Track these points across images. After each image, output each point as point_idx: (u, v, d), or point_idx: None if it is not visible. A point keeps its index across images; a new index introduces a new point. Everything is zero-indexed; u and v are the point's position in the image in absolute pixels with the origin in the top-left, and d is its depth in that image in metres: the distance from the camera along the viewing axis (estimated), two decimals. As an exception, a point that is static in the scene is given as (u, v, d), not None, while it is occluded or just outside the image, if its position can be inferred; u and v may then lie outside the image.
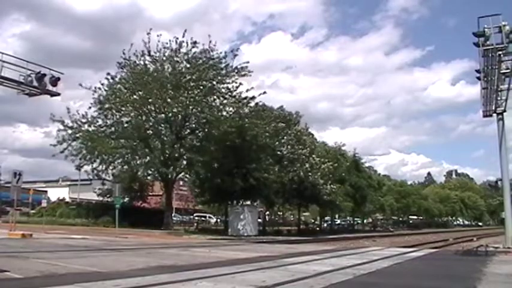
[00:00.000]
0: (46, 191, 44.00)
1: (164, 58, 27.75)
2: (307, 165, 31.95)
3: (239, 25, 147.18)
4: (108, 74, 28.00)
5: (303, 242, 22.52)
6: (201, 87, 27.08)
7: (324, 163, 33.77)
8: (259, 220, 34.84)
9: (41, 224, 23.25)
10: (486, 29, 13.52)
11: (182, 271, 7.22)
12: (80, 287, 5.37)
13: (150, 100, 27.05)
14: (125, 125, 28.61)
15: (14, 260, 8.33)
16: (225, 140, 27.05)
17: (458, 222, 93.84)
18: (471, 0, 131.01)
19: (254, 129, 27.72)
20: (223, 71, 27.71)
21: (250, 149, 28.18)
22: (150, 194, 37.67)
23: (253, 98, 27.74)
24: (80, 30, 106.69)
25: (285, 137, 31.79)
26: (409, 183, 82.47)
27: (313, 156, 33.53)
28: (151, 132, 28.76)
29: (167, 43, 27.46)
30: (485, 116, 17.65)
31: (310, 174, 31.89)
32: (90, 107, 27.96)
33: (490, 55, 13.85)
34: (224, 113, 28.34)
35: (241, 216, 27.33)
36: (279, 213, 50.23)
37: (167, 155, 27.92)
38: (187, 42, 27.12)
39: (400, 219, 74.73)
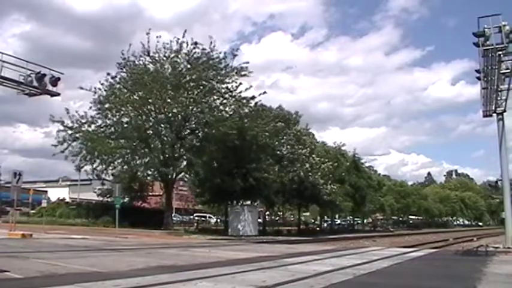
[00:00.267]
0: (46, 191, 44.00)
1: (164, 58, 27.77)
2: (307, 165, 31.95)
3: (239, 25, 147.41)
4: (108, 74, 28.06)
5: (303, 242, 22.52)
6: (201, 88, 27.09)
7: (323, 163, 33.79)
8: (259, 220, 34.84)
9: (41, 224, 23.23)
10: (486, 29, 13.52)
11: (182, 271, 7.22)
12: (80, 287, 5.37)
13: (150, 100, 27.07)
14: (125, 125, 28.62)
15: (14, 260, 8.34)
16: (225, 140, 27.06)
17: (458, 222, 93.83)
18: (471, 0, 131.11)
19: (254, 129, 27.72)
20: (223, 71, 27.72)
21: (250, 149, 28.18)
22: (150, 194, 37.65)
23: (253, 97, 27.77)
24: (80, 30, 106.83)
25: (285, 137, 31.79)
26: (409, 183, 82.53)
27: (313, 156, 33.54)
28: (151, 132, 28.76)
29: (167, 43, 27.55)
30: (485, 116, 17.65)
31: (310, 174, 31.90)
32: (90, 107, 28.05)
33: (490, 55, 13.85)
34: (224, 113, 28.34)
35: (241, 217, 27.32)
36: (279, 213, 50.23)
37: (167, 155, 27.92)
38: (187, 43, 27.18)
39: (400, 219, 74.74)
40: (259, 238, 24.68)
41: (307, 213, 55.91)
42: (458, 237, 34.21)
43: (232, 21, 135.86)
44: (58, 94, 17.45)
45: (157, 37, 27.26)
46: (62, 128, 27.59)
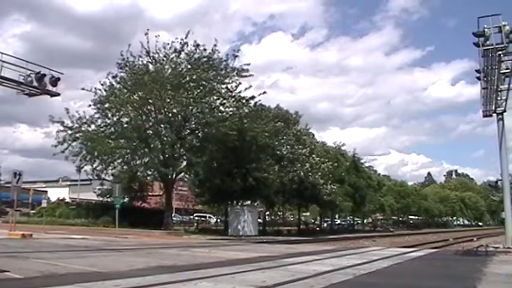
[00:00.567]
0: (46, 191, 44.01)
1: (164, 59, 27.75)
2: (307, 165, 31.95)
3: (239, 25, 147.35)
4: (110, 73, 28.06)
5: (303, 242, 22.52)
6: (201, 88, 27.09)
7: (323, 163, 33.79)
8: (259, 220, 34.83)
9: (41, 224, 23.23)
10: (486, 29, 13.51)
11: (182, 271, 7.22)
12: (80, 287, 5.37)
13: (150, 100, 27.07)
14: (125, 125, 28.64)
15: (14, 260, 8.33)
16: (225, 140, 27.07)
17: (458, 222, 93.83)
18: (471, 0, 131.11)
19: (254, 130, 27.73)
20: (224, 72, 27.71)
21: (250, 149, 28.18)
22: (150, 194, 37.66)
23: (252, 97, 27.77)
24: (80, 30, 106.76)
25: (285, 137, 31.80)
26: (409, 183, 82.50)
27: (313, 156, 33.54)
28: (151, 132, 28.77)
29: (168, 44, 27.54)
30: (485, 116, 17.64)
31: (310, 174, 31.90)
32: (90, 105, 28.04)
33: (490, 55, 13.85)
34: (224, 113, 28.35)
35: (241, 217, 27.31)
36: (279, 213, 50.22)
37: (167, 155, 27.93)
38: (187, 43, 27.18)
39: (400, 219, 74.74)
40: (259, 238, 24.68)
41: (307, 213, 55.91)
42: (458, 237, 34.21)
43: (232, 21, 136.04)
44: (58, 94, 17.46)
45: (156, 36, 27.26)
46: (61, 128, 27.63)
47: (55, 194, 45.44)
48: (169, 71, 27.72)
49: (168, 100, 26.89)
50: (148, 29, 27.96)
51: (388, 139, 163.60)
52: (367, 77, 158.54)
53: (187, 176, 32.63)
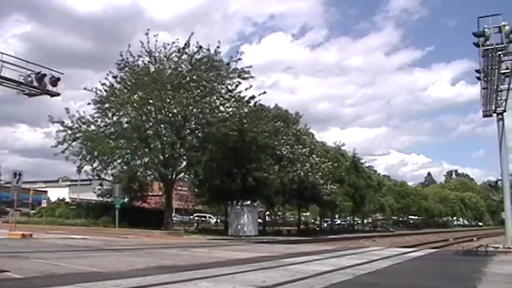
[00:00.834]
0: (46, 191, 43.99)
1: (164, 59, 27.72)
2: (307, 165, 31.95)
3: (240, 26, 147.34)
4: (110, 72, 28.03)
5: (303, 242, 22.52)
6: (201, 88, 27.09)
7: (323, 163, 33.79)
8: (259, 220, 34.83)
9: (41, 224, 23.24)
10: (486, 29, 13.51)
11: (182, 271, 7.22)
12: (80, 287, 5.37)
13: (150, 101, 27.05)
14: (125, 125, 28.64)
15: (14, 260, 8.33)
16: (225, 140, 27.07)
17: (458, 222, 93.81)
18: (471, 0, 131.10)
19: (254, 130, 27.74)
20: (225, 73, 27.69)
21: (250, 149, 28.18)
22: (150, 194, 37.66)
23: (252, 97, 27.76)
24: (80, 30, 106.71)
25: (284, 137, 31.79)
26: (409, 183, 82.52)
27: (313, 156, 33.54)
28: (151, 132, 28.76)
29: (168, 44, 27.53)
30: (485, 116, 17.64)
31: (310, 174, 31.90)
32: (89, 103, 28.03)
33: (490, 55, 13.84)
34: (224, 113, 28.35)
35: (241, 217, 27.31)
36: (279, 213, 50.23)
37: (167, 156, 27.92)
38: (189, 43, 27.18)
39: (400, 219, 74.73)
40: (259, 238, 24.68)
41: (307, 213, 55.90)
42: (458, 237, 34.21)
43: (232, 21, 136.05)
44: (58, 94, 17.47)
45: (154, 35, 27.23)
46: (61, 128, 27.63)
47: (55, 194, 45.44)
48: (170, 71, 27.71)
49: (168, 100, 26.88)
50: (148, 29, 27.99)
51: (388, 139, 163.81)
52: (367, 77, 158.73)
53: (187, 176, 32.62)
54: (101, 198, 34.38)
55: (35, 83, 16.23)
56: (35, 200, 27.66)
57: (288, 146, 31.88)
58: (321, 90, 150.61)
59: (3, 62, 15.62)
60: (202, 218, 46.66)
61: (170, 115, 27.66)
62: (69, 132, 27.66)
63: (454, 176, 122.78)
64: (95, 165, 28.09)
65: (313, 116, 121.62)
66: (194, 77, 26.61)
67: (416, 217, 77.03)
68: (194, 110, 27.63)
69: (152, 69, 27.74)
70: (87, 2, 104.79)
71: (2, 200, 36.58)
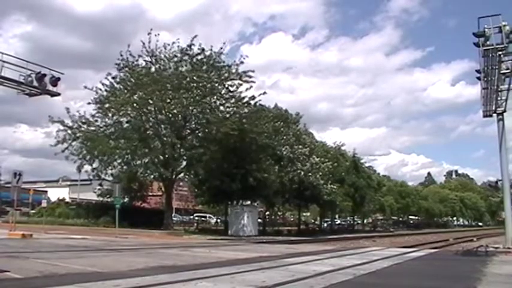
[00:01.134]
0: (46, 191, 43.98)
1: (165, 59, 27.68)
2: (307, 165, 31.94)
3: (240, 26, 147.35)
4: (109, 74, 28.01)
5: (303, 242, 22.51)
6: (202, 88, 27.08)
7: (323, 163, 33.79)
8: (259, 220, 34.84)
9: (41, 224, 23.22)
10: (486, 29, 13.50)
11: (182, 271, 7.22)
12: (80, 287, 5.38)
13: (150, 101, 27.02)
14: (125, 126, 28.62)
15: (14, 260, 8.34)
16: (225, 140, 27.04)
17: (458, 222, 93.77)
18: (471, 0, 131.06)
19: (254, 130, 27.74)
20: (226, 74, 27.67)
21: (250, 149, 28.17)
22: (150, 194, 37.66)
23: (253, 97, 27.75)
24: (81, 31, 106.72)
25: (284, 137, 31.80)
26: (409, 183, 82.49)
27: (313, 156, 33.54)
28: (151, 132, 28.75)
29: (169, 44, 27.50)
30: (485, 116, 17.64)
31: (310, 174, 31.90)
32: (89, 103, 28.00)
33: (490, 55, 13.83)
34: (224, 113, 28.34)
35: (241, 217, 27.33)
36: (279, 213, 50.26)
37: (167, 156, 27.91)
38: (191, 46, 27.15)
39: (400, 219, 74.71)
40: (259, 238, 24.68)
41: (307, 213, 55.91)
42: (458, 237, 34.19)
43: (233, 22, 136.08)
44: (58, 94, 17.47)
45: (155, 35, 27.16)
46: (62, 127, 27.62)
47: (55, 194, 45.40)
48: (171, 71, 27.70)
49: (169, 100, 26.84)
50: (151, 29, 27.69)
51: (388, 139, 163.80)
52: (367, 77, 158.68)
53: (187, 176, 32.61)
54: (101, 198, 34.35)
55: (35, 83, 16.23)
56: (35, 200, 27.63)
57: (287, 146, 31.88)
58: (321, 90, 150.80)
59: (4, 62, 15.62)
60: (202, 218, 46.66)
61: (170, 115, 27.63)
62: (69, 132, 27.65)
63: (454, 176, 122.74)
64: (95, 165, 28.10)
65: (314, 116, 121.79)
66: (195, 77, 26.60)
67: (416, 217, 77.01)
68: (194, 110, 27.61)
69: (153, 69, 27.73)
70: (88, 2, 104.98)
71: (2, 200, 36.60)
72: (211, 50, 27.34)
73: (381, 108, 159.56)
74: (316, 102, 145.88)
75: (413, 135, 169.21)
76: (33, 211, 33.64)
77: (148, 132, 28.65)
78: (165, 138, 28.46)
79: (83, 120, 27.91)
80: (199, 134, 29.29)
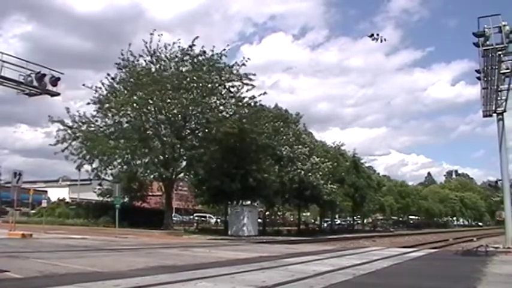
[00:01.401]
0: (46, 191, 43.92)
1: (166, 60, 27.66)
2: (308, 165, 31.94)
3: (240, 26, 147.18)
4: (108, 74, 28.00)
5: (303, 242, 22.52)
6: (202, 88, 27.07)
7: (323, 163, 33.79)
8: (259, 220, 34.85)
9: (41, 224, 23.21)
10: (486, 29, 13.51)
11: (182, 271, 7.22)
12: (80, 287, 5.38)
13: (150, 101, 27.02)
14: (125, 126, 28.60)
15: (14, 260, 8.34)
16: (225, 140, 27.02)
17: (458, 222, 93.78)
18: (471, 0, 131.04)
19: (254, 130, 27.72)
20: (227, 75, 27.65)
21: (250, 149, 28.18)
22: (150, 194, 37.66)
23: (253, 98, 27.74)
24: (81, 31, 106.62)
25: (284, 137, 31.79)
26: (410, 183, 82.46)
27: (313, 156, 33.54)
28: (151, 132, 28.74)
29: (170, 45, 27.49)
30: (485, 116, 17.65)
31: (310, 174, 31.89)
32: (88, 103, 27.99)
33: (490, 55, 13.85)
34: (224, 114, 28.33)
35: (241, 217, 27.33)
36: (278, 213, 50.28)
37: (167, 156, 27.91)
38: (191, 47, 27.14)
39: (400, 219, 74.71)
40: (259, 238, 24.69)
41: (307, 213, 55.90)
42: (458, 237, 34.20)
43: (233, 22, 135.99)
44: (58, 94, 17.48)
45: (159, 35, 27.15)
46: (61, 127, 27.61)
47: (55, 194, 45.37)
48: (171, 71, 27.69)
49: (169, 100, 26.85)
50: (154, 29, 27.68)
51: (388, 139, 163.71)
52: (367, 77, 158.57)
53: (187, 176, 32.61)
54: (101, 198, 34.37)
55: (35, 83, 16.24)
56: (35, 200, 27.63)
57: (287, 146, 31.87)
58: (321, 91, 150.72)
59: (4, 62, 15.63)
60: (202, 218, 46.67)
61: (170, 115, 27.63)
62: (69, 131, 27.65)
63: (454, 176, 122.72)
64: (94, 165, 28.08)
65: (314, 116, 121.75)
66: (195, 78, 26.59)
67: (416, 217, 77.01)
68: (194, 110, 27.60)
69: (153, 69, 27.72)
70: (88, 2, 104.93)
71: (2, 199, 36.59)
72: (213, 51, 27.39)
73: (381, 108, 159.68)
74: (316, 102, 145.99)
75: (413, 135, 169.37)
76: (33, 211, 33.63)
77: (148, 132, 28.64)
78: (165, 138, 28.45)
79: (83, 120, 27.92)
80: (199, 134, 29.27)
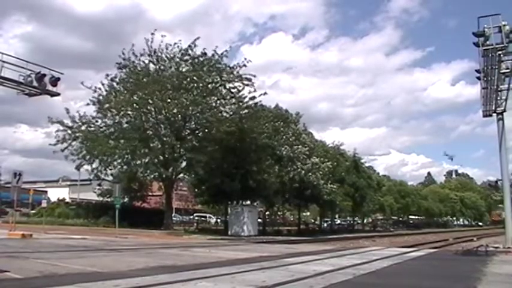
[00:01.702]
0: (46, 191, 43.93)
1: (166, 60, 27.65)
2: (308, 164, 31.94)
3: (240, 26, 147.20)
4: (108, 75, 27.97)
5: (303, 242, 22.52)
6: (201, 88, 27.06)
7: (323, 163, 33.79)
8: (259, 220, 34.85)
9: (41, 224, 23.20)
10: (486, 29, 13.51)
11: (182, 271, 7.22)
12: (80, 287, 5.38)
13: (150, 101, 27.01)
14: (125, 126, 28.60)
15: (14, 260, 8.34)
16: (225, 140, 27.00)
17: (458, 222, 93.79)
18: (471, 0, 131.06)
19: (254, 130, 27.71)
20: (227, 76, 27.64)
21: (250, 149, 28.18)
22: (150, 194, 37.66)
23: (253, 98, 27.75)
24: (81, 31, 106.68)
25: (284, 137, 31.79)
26: (410, 183, 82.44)
27: (313, 156, 33.53)
28: (151, 132, 28.74)
29: (171, 45, 27.48)
30: (485, 116, 17.65)
31: (310, 174, 31.89)
32: (88, 104, 27.98)
33: (490, 55, 13.84)
34: (224, 113, 28.33)
35: (241, 217, 27.32)
36: (278, 213, 50.26)
37: (167, 156, 27.91)
38: (191, 47, 27.13)
39: (400, 219, 74.70)
40: (259, 238, 24.69)
41: (307, 213, 55.89)
42: (458, 237, 34.18)
43: (233, 22, 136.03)
44: (58, 94, 17.47)
45: (162, 36, 27.11)
46: (61, 128, 27.60)
47: (55, 194, 45.37)
48: (171, 70, 27.68)
49: (169, 101, 26.85)
50: (155, 29, 27.63)
51: (388, 139, 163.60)
52: (368, 77, 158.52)
53: (187, 176, 32.61)
54: (101, 198, 34.37)
55: (35, 83, 16.24)
56: (35, 200, 27.62)
57: (287, 146, 31.86)
58: (321, 90, 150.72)
59: (4, 62, 15.63)
60: (202, 218, 46.66)
61: (170, 115, 27.63)
62: (69, 131, 27.64)
63: (454, 176, 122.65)
64: (94, 165, 28.07)
65: (314, 116, 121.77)
66: (195, 78, 26.59)
67: (416, 217, 76.99)
68: (194, 110, 27.60)
69: (153, 69, 27.70)
70: (88, 3, 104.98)
71: (2, 200, 36.60)
72: (214, 51, 27.40)
73: (381, 108, 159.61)
74: (316, 102, 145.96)
75: (413, 135, 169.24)
76: (33, 211, 33.64)
77: (148, 133, 28.64)
78: (165, 138, 28.46)
79: (83, 121, 27.91)
80: (199, 134, 29.28)
